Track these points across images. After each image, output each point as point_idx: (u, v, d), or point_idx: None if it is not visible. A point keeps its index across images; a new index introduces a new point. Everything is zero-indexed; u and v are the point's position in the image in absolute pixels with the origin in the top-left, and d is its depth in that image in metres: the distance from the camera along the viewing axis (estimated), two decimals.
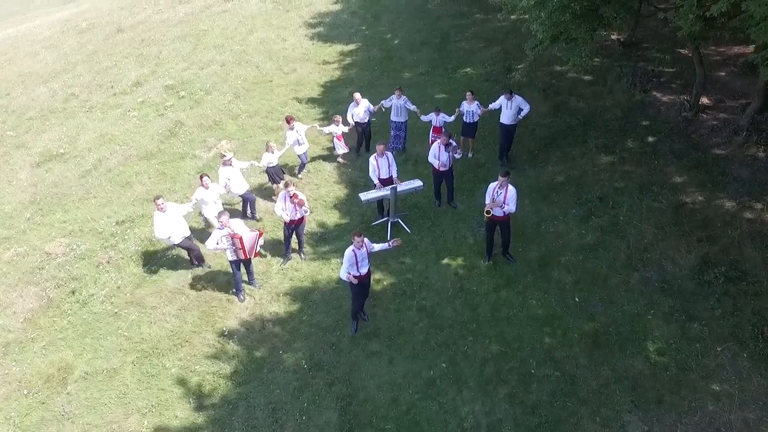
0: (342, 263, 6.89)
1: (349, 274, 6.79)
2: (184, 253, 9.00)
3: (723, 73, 12.93)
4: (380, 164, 8.91)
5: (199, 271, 8.63)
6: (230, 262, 7.71)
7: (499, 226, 7.95)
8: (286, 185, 8.12)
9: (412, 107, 10.90)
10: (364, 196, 8.77)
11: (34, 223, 10.40)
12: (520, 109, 10.13)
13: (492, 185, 7.70)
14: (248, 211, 9.60)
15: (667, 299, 7.36)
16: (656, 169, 9.81)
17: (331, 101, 13.67)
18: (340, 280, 8.26)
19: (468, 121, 10.57)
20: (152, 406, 6.65)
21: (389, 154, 9.00)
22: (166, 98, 15.06)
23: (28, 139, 14.46)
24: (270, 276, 8.51)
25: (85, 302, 8.24)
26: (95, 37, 23.68)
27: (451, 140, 9.09)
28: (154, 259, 8.99)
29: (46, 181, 11.92)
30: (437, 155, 9.01)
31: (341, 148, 10.98)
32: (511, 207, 7.59)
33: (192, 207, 8.48)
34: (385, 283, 8.21)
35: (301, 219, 8.41)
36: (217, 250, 7.61)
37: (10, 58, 23.17)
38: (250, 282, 8.26)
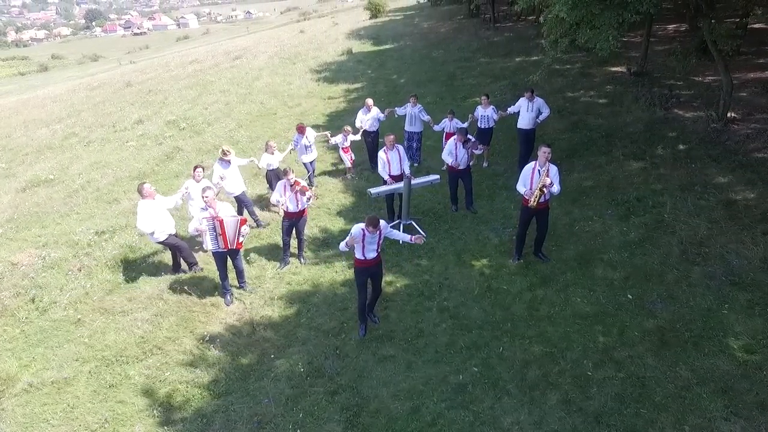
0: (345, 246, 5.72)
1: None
2: (167, 259, 7.86)
3: (744, 94, 12.44)
4: (390, 158, 8.03)
5: (183, 275, 7.46)
6: (213, 254, 6.58)
7: (536, 217, 6.86)
8: (286, 172, 7.20)
9: (426, 117, 10.20)
10: (374, 189, 7.80)
11: (5, 238, 9.36)
12: (540, 112, 9.43)
13: (529, 167, 6.71)
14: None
15: (742, 293, 6.09)
16: (695, 172, 8.89)
17: (336, 127, 13.06)
18: (345, 282, 7.07)
19: (483, 127, 9.84)
20: (105, 420, 5.20)
21: (400, 147, 8.15)
22: (166, 130, 14.64)
23: (19, 170, 13.84)
24: (264, 280, 7.31)
25: (45, 309, 6.99)
26: (104, 91, 24.08)
27: (468, 136, 8.29)
28: (134, 266, 7.85)
29: (28, 201, 11.06)
30: (453, 152, 8.15)
31: (347, 161, 10.24)
32: (556, 186, 6.55)
33: (180, 198, 7.42)
34: (398, 285, 6.98)
35: (302, 212, 7.38)
36: (197, 232, 6.55)
37: (19, 110, 23.39)
38: (240, 284, 7.06)
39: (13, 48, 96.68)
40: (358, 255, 5.76)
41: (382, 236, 5.75)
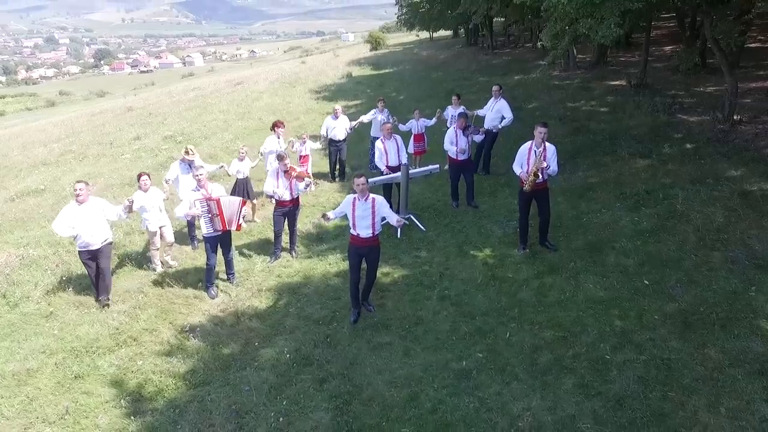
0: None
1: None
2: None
3: (748, 100, 12.26)
4: (388, 148, 7.71)
5: (168, 269, 7.00)
6: (205, 238, 6.15)
7: (536, 200, 6.46)
8: (280, 158, 6.85)
9: (391, 120, 9.96)
10: (371, 179, 7.43)
11: None
12: (503, 117, 9.12)
13: (525, 146, 6.37)
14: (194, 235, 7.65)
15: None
16: (705, 167, 8.52)
17: None
18: (338, 273, 6.61)
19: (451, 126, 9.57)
20: (66, 412, 4.64)
21: (398, 137, 7.85)
22: (162, 144, 14.47)
23: (11, 184, 13.59)
24: (252, 273, 6.84)
25: (16, 304, 6.50)
26: (105, 116, 24.17)
27: (468, 122, 8.01)
28: (115, 262, 7.38)
29: (15, 209, 10.72)
30: (454, 141, 7.85)
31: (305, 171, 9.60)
32: (553, 166, 6.18)
33: (124, 213, 6.18)
34: (395, 275, 6.50)
35: (296, 201, 6.99)
36: (189, 217, 6.12)
37: (20, 135, 23.42)
38: (228, 277, 6.59)
39: (22, 85, 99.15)
40: (351, 230, 5.36)
41: (377, 213, 5.35)
